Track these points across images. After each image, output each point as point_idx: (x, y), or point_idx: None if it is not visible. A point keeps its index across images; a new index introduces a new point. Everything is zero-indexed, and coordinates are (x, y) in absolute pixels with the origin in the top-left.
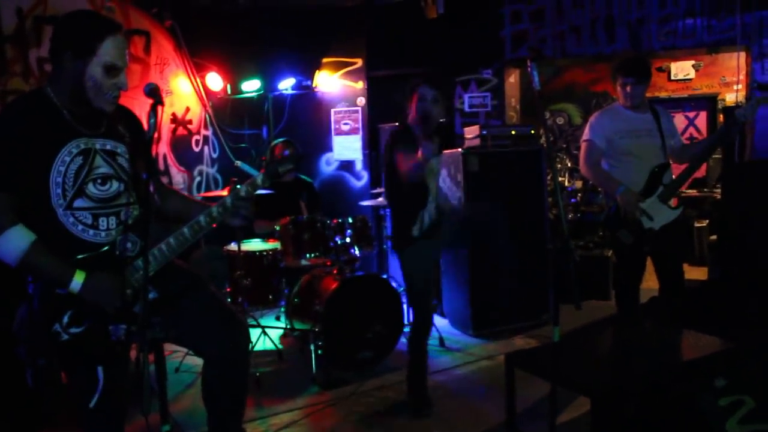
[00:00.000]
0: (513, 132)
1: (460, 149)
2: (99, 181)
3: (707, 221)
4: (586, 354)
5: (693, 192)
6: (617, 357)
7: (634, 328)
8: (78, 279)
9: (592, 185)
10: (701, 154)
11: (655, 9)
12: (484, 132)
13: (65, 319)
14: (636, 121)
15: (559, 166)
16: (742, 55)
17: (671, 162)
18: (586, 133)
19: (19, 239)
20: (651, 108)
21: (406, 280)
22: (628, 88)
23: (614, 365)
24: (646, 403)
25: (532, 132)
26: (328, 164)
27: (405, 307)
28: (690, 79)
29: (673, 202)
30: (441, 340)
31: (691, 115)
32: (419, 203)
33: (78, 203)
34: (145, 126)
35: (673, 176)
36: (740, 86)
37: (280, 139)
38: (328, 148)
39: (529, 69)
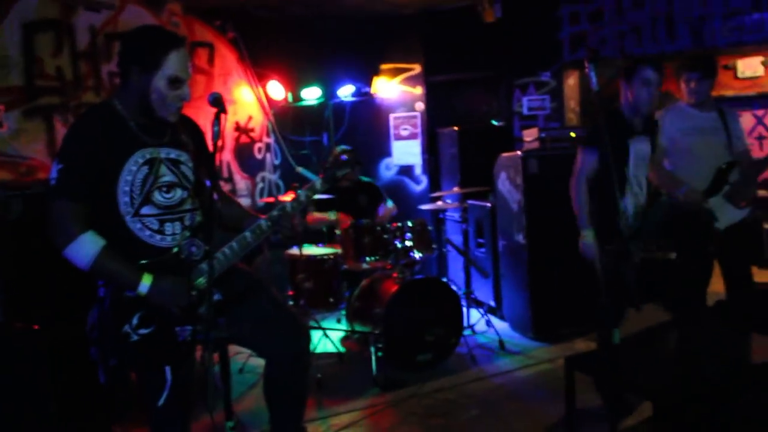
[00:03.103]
0: (572, 134)
1: (519, 152)
2: (164, 188)
3: None
4: (648, 357)
5: (763, 192)
6: (681, 360)
7: (699, 331)
8: (146, 282)
9: (655, 188)
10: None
11: (719, 4)
12: (543, 135)
13: (134, 321)
14: (701, 119)
15: None
16: None
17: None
18: None
19: (90, 245)
20: (717, 107)
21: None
22: (693, 84)
23: (678, 369)
24: (712, 409)
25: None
26: (387, 169)
27: (464, 310)
28: (758, 77)
29: (741, 202)
30: (501, 344)
31: (760, 113)
32: (614, 194)
33: (145, 210)
34: (209, 135)
35: None
36: None
37: (343, 147)
38: (388, 153)
39: (587, 70)
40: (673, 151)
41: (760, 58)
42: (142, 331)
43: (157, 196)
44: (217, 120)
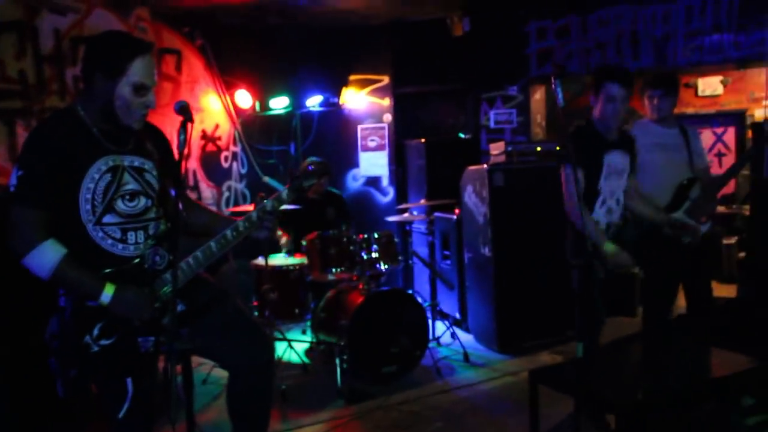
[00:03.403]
0: (538, 148)
1: (485, 165)
2: (127, 197)
3: (736, 238)
4: (611, 370)
5: (722, 208)
6: (643, 374)
7: (661, 345)
8: (108, 291)
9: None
10: (726, 176)
11: (681, 24)
12: (510, 148)
13: (96, 331)
14: (664, 135)
15: None
16: None
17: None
18: None
19: (50, 253)
20: (679, 124)
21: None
22: (656, 101)
23: (640, 382)
24: (673, 421)
25: (558, 148)
26: (354, 180)
27: (430, 322)
28: (718, 95)
29: (701, 218)
30: (466, 356)
31: (719, 131)
32: (587, 205)
33: (107, 219)
34: (175, 143)
35: None
36: None
37: (313, 159)
38: (355, 164)
39: (553, 86)
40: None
41: (720, 78)
42: (104, 342)
43: (120, 205)
44: (183, 128)
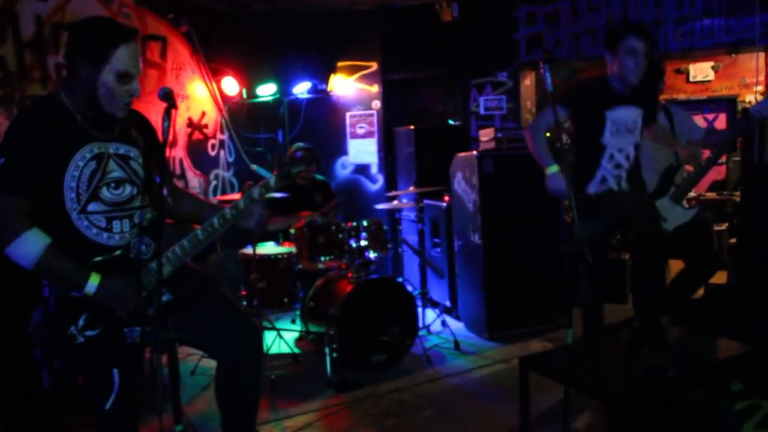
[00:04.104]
0: None
1: (474, 152)
2: (112, 185)
3: (727, 224)
4: (600, 357)
5: (712, 195)
6: (633, 360)
7: (650, 331)
8: (93, 281)
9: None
10: (718, 145)
11: (671, 10)
12: (499, 134)
13: (81, 322)
14: None
15: None
16: (762, 56)
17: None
18: None
19: (34, 243)
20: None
21: None
22: None
23: (629, 368)
24: (662, 407)
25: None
26: (343, 167)
27: (419, 310)
28: (709, 81)
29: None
30: (456, 344)
31: (711, 117)
32: (592, 160)
33: (92, 207)
34: (159, 130)
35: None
36: (760, 87)
37: (300, 144)
38: (344, 151)
39: (541, 71)
40: None
41: (711, 63)
42: (89, 333)
43: (105, 193)
44: (167, 115)
